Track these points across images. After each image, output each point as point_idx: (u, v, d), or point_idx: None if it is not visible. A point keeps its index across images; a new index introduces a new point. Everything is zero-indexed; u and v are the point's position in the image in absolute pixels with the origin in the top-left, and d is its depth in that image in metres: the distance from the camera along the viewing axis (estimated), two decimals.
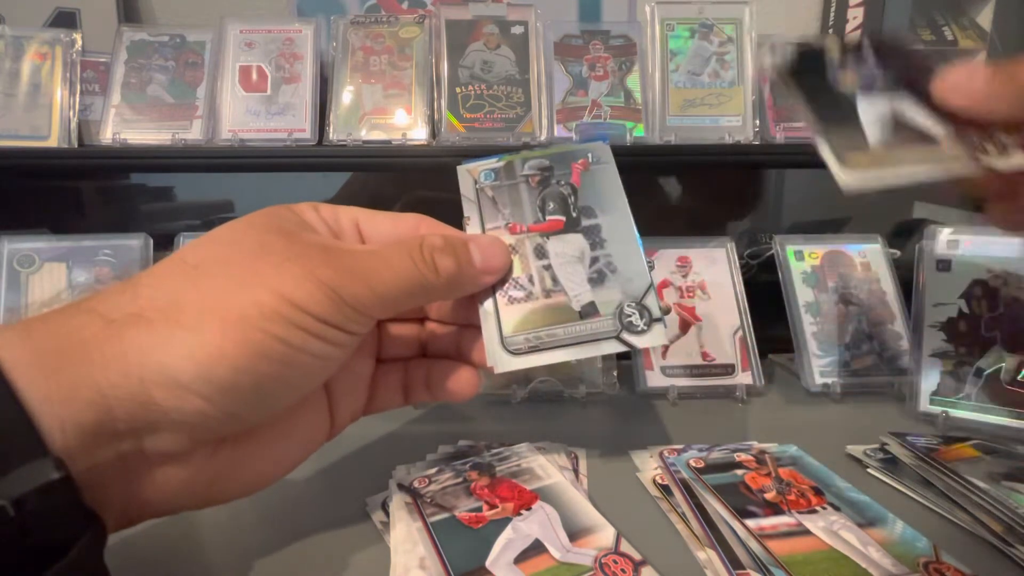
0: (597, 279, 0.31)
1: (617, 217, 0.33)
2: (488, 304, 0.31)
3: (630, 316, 0.30)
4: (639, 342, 0.30)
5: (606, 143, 0.35)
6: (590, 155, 0.34)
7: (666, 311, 0.32)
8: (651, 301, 0.31)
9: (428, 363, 0.33)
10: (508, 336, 0.30)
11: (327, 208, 0.29)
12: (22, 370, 0.20)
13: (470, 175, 0.34)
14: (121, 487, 0.23)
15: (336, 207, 0.30)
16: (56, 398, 0.20)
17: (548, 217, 0.33)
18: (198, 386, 0.22)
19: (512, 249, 0.32)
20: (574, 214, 0.33)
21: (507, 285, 0.31)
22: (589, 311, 0.31)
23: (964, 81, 0.26)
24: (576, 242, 0.32)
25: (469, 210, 0.33)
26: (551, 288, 0.31)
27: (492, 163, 0.35)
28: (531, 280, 0.31)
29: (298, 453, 0.29)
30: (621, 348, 0.30)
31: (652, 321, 0.30)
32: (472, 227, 0.33)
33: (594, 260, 0.32)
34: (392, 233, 0.30)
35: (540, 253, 0.32)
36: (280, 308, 0.23)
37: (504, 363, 0.30)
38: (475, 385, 0.32)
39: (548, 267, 0.32)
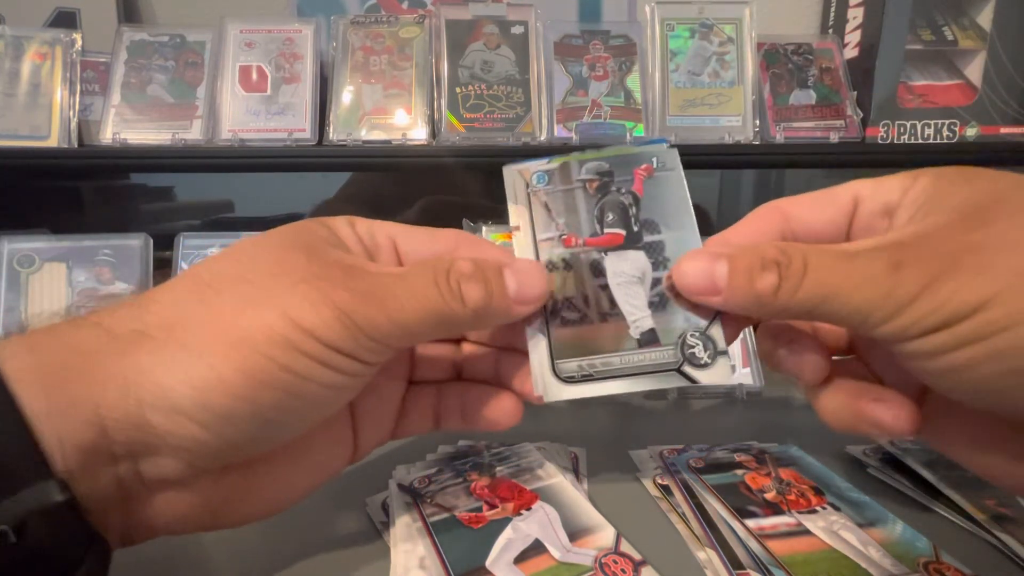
0: (659, 303, 0.28)
1: (683, 234, 0.29)
2: (539, 325, 0.28)
3: (693, 347, 0.27)
4: (703, 377, 0.27)
5: (673, 148, 0.31)
6: (655, 160, 0.31)
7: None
8: (717, 331, 0.27)
9: (463, 387, 0.31)
10: (560, 362, 0.27)
11: (363, 223, 0.27)
12: (25, 384, 0.19)
13: (521, 176, 0.31)
14: (121, 511, 0.22)
15: (372, 222, 0.28)
16: (56, 415, 0.19)
17: (606, 230, 0.29)
18: (194, 412, 0.21)
19: (565, 264, 0.29)
20: (635, 228, 0.29)
21: (560, 305, 0.28)
22: (649, 339, 0.27)
23: (706, 276, 0.24)
24: (637, 260, 0.29)
25: (519, 217, 0.30)
26: (608, 311, 0.28)
27: (544, 164, 0.31)
28: (586, 301, 0.28)
29: (315, 479, 0.28)
30: (683, 382, 0.27)
31: (717, 354, 0.27)
32: (523, 236, 0.30)
33: (656, 282, 0.28)
34: (429, 251, 0.28)
35: (597, 270, 0.29)
36: (287, 332, 0.21)
37: (554, 392, 0.27)
38: (518, 414, 0.29)
39: (605, 287, 0.29)
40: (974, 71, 0.59)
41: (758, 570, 0.27)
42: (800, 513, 0.31)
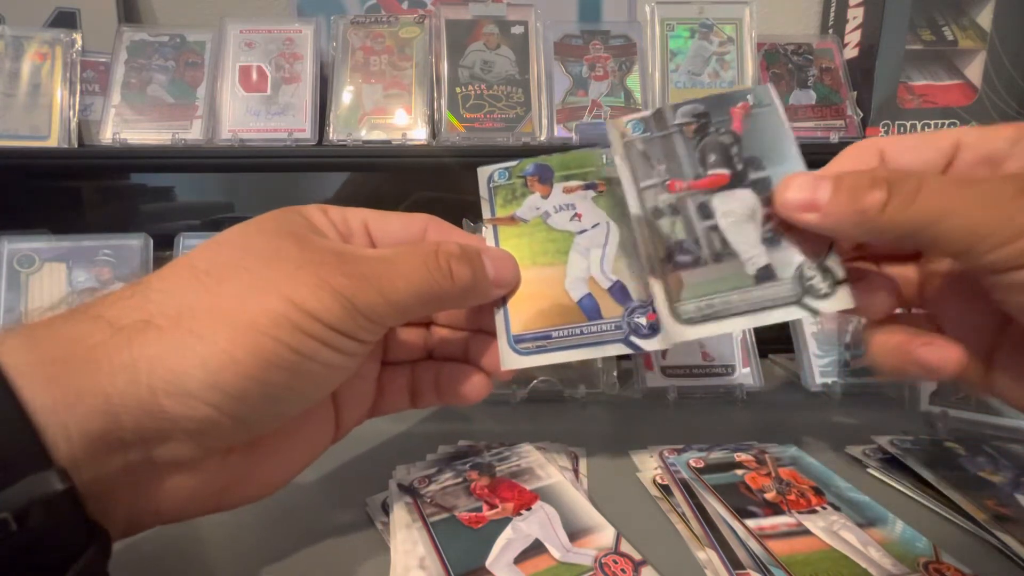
0: (772, 239, 0.28)
1: (789, 167, 0.29)
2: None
3: (811, 279, 0.27)
4: (824, 306, 0.27)
5: (766, 85, 0.32)
6: (750, 97, 0.31)
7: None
8: (834, 262, 0.27)
9: (436, 366, 0.33)
10: (679, 304, 0.28)
11: (335, 210, 0.29)
12: (27, 377, 0.20)
13: (615, 128, 0.31)
14: (129, 496, 0.23)
15: (344, 209, 0.29)
16: (62, 407, 0.20)
17: (709, 172, 0.29)
18: (207, 395, 0.22)
19: (672, 210, 0.29)
20: (739, 167, 0.29)
21: (673, 249, 0.29)
22: (765, 275, 0.28)
23: (808, 193, 0.25)
24: (746, 199, 0.29)
25: (619, 169, 0.31)
26: (720, 251, 0.29)
27: (640, 114, 0.32)
28: (697, 243, 0.29)
29: (305, 457, 0.29)
30: (804, 314, 0.28)
31: (836, 284, 0.27)
32: (626, 185, 0.30)
33: (767, 218, 0.28)
34: (402, 234, 0.30)
35: (705, 213, 0.29)
36: (292, 316, 0.23)
37: (677, 334, 0.28)
38: (488, 389, 0.32)
39: (715, 228, 0.29)
40: (974, 71, 0.59)
41: (758, 570, 0.27)
42: (800, 513, 0.31)
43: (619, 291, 0.31)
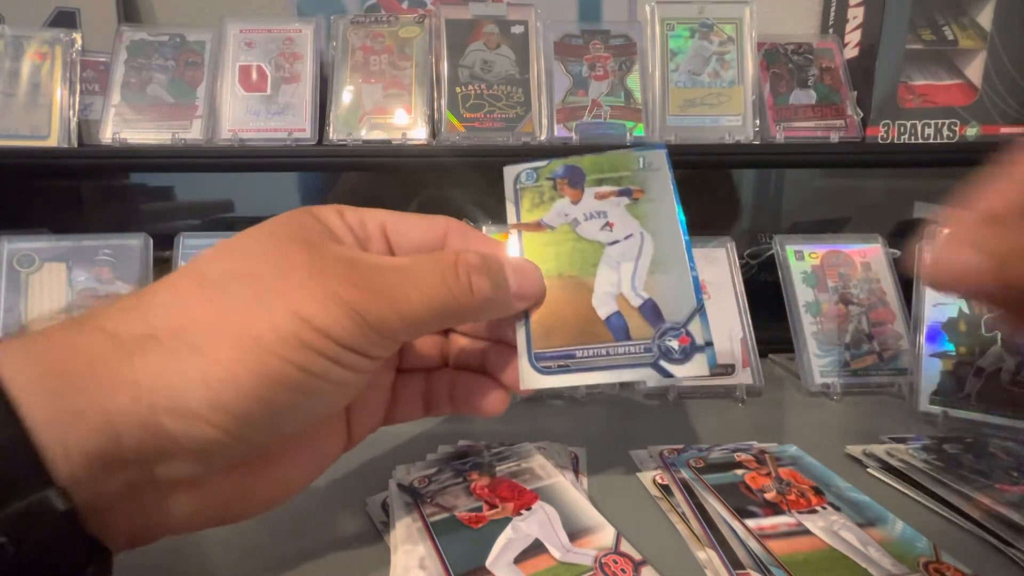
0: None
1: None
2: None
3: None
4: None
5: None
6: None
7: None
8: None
9: (451, 375, 0.32)
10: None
11: (352, 212, 0.27)
12: (26, 392, 0.19)
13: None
14: (130, 512, 0.22)
15: (362, 210, 0.28)
16: (61, 423, 0.19)
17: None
18: (210, 414, 0.21)
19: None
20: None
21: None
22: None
23: (945, 264, 0.24)
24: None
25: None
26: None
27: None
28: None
29: (314, 469, 0.28)
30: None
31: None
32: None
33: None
34: (420, 238, 0.29)
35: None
36: (300, 332, 0.22)
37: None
38: (505, 404, 0.31)
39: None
40: (974, 71, 0.59)
41: (758, 570, 0.27)
42: (800, 513, 0.31)
43: (650, 310, 0.29)
